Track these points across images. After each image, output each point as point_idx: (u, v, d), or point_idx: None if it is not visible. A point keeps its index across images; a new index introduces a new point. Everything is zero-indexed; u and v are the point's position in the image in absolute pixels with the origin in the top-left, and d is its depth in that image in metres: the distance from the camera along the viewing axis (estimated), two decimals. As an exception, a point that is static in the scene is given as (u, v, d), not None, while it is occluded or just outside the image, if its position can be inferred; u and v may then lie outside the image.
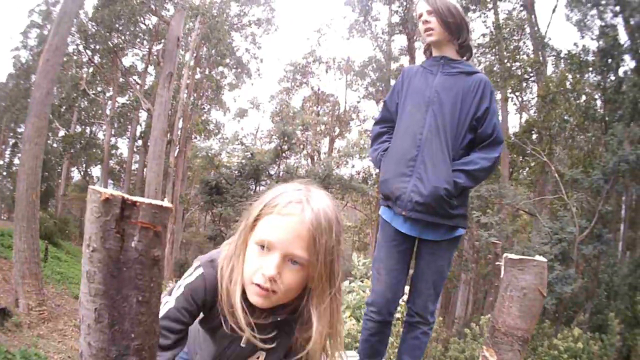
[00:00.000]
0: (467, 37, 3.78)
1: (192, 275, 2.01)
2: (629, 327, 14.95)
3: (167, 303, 1.96)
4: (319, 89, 40.77)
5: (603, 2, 19.99)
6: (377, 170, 4.13)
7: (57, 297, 20.11)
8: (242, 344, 2.06)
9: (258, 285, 1.84)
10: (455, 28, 3.69)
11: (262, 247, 1.85)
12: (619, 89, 19.30)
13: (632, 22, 19.02)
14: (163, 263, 1.25)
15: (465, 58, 3.84)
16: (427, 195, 3.49)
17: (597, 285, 17.85)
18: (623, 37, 19.58)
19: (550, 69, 25.66)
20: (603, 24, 20.31)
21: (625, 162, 16.54)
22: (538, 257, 2.33)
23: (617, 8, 19.44)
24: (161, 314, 1.89)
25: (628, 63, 19.97)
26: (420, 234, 3.65)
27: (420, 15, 3.75)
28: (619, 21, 19.81)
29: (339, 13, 31.70)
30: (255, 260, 1.87)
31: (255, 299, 1.88)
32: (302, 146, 36.08)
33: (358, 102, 40.43)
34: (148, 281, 1.21)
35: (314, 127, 37.85)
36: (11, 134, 41.24)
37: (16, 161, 37.67)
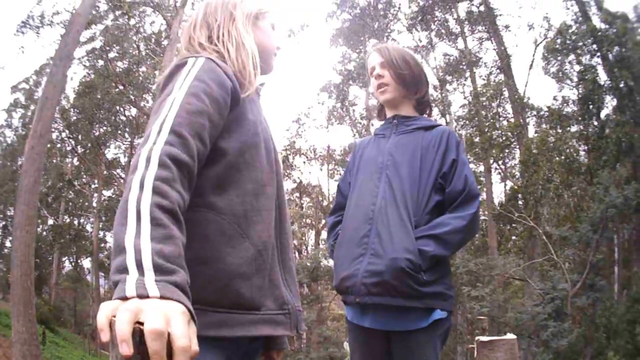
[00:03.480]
0: (426, 90, 3.30)
1: (193, 67, 1.81)
2: (630, 358, 14.81)
3: (174, 100, 1.68)
4: (301, 182, 40.80)
5: (580, 44, 20.14)
6: None
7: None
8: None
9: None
10: (412, 81, 3.20)
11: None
12: (602, 134, 19.32)
13: (610, 57, 19.14)
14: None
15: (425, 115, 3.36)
16: (385, 271, 2.78)
17: (595, 330, 17.52)
18: (602, 77, 19.77)
19: (531, 130, 25.65)
20: (581, 68, 20.49)
21: (613, 207, 16.37)
22: (508, 335, 2.25)
23: (595, 46, 19.58)
24: (173, 112, 1.64)
25: (609, 104, 20.23)
26: (386, 326, 2.90)
27: (373, 70, 3.26)
28: (597, 61, 19.98)
29: (318, 99, 32.35)
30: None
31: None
32: (287, 240, 35.96)
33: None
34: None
35: (299, 221, 37.72)
36: (1, 216, 41.10)
37: (7, 243, 37.44)
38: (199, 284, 1.34)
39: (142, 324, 1.10)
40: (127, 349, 1.07)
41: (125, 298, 1.16)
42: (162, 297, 1.17)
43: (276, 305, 1.88)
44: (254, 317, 1.78)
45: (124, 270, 1.24)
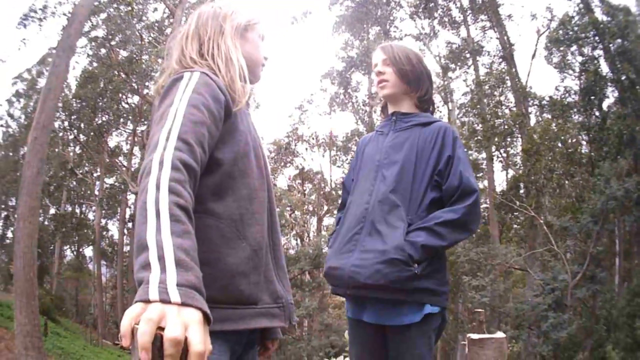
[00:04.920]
0: (429, 89, 3.28)
1: (190, 80, 1.91)
2: (630, 352, 14.80)
3: (177, 111, 1.78)
4: (303, 168, 40.77)
5: (582, 35, 20.08)
6: None
7: (60, 372, 20.30)
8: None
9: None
10: (414, 78, 3.19)
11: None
12: (604, 125, 19.28)
13: (612, 49, 19.09)
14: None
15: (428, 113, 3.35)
16: (372, 263, 2.80)
17: (595, 322, 17.54)
18: (604, 69, 19.72)
19: (533, 119, 25.61)
20: (583, 59, 20.43)
21: (614, 199, 16.37)
22: (498, 334, 2.26)
23: (597, 38, 19.54)
24: (178, 121, 1.75)
25: (611, 95, 20.15)
26: (382, 320, 2.93)
27: (375, 66, 3.27)
28: (599, 53, 19.94)
29: (320, 86, 32.32)
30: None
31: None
32: (290, 227, 35.84)
33: (343, 178, 40.06)
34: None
35: (301, 207, 37.70)
36: (2, 206, 41.07)
37: (9, 234, 37.45)
38: (204, 284, 1.40)
39: (162, 329, 1.19)
40: (146, 357, 1.16)
41: (148, 301, 1.24)
42: (182, 304, 1.25)
43: (271, 299, 2.04)
44: (253, 311, 1.94)
45: (147, 266, 1.33)
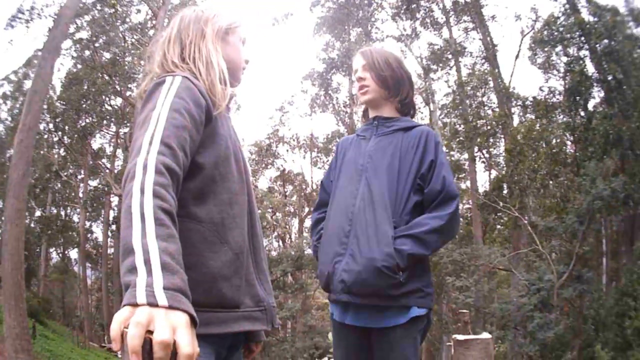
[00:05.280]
0: (410, 93, 3.30)
1: (172, 85, 1.92)
2: (620, 351, 14.79)
3: (159, 115, 1.79)
4: (284, 170, 40.79)
5: (568, 36, 20.15)
6: None
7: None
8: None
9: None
10: (393, 84, 3.21)
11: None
12: (589, 125, 19.28)
13: (598, 49, 19.16)
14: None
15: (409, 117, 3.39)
16: (361, 270, 2.84)
17: (583, 322, 17.57)
18: (590, 70, 19.77)
19: (516, 120, 25.67)
20: (568, 59, 20.49)
21: (600, 199, 16.39)
22: (483, 335, 2.28)
23: (582, 38, 19.61)
24: (161, 125, 1.76)
25: (596, 96, 20.25)
26: (366, 323, 2.97)
27: (356, 72, 3.31)
28: (585, 53, 20.02)
29: (301, 87, 32.71)
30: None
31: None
32: (272, 228, 35.84)
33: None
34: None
35: (282, 209, 37.73)
36: (-11, 209, 40.78)
37: (-4, 236, 37.27)
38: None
39: (151, 332, 1.22)
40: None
41: (135, 304, 1.27)
42: (170, 307, 1.28)
43: (253, 302, 2.05)
44: (235, 314, 1.95)
45: (133, 270, 1.34)
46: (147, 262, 1.35)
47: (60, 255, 45.90)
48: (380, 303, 2.87)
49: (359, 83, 3.27)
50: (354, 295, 2.89)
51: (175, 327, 1.25)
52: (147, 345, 1.20)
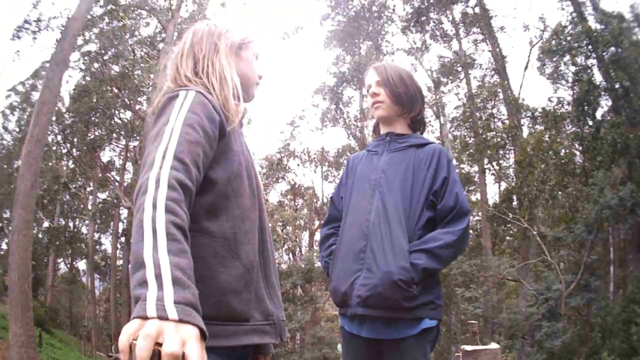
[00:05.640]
0: (422, 109, 3.34)
1: (185, 99, 1.92)
2: (626, 357, 14.85)
3: (172, 130, 1.80)
4: (295, 184, 40.74)
5: (575, 45, 20.12)
6: None
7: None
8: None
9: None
10: (407, 100, 3.24)
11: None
12: (597, 134, 19.23)
13: (605, 58, 19.11)
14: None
15: (418, 133, 3.42)
16: (378, 284, 2.88)
17: (590, 330, 17.56)
18: (598, 78, 19.74)
19: (525, 132, 25.57)
20: (576, 69, 20.46)
21: (608, 208, 16.37)
22: (492, 345, 2.28)
23: (590, 47, 19.57)
24: (174, 140, 1.76)
25: (604, 104, 20.19)
26: (379, 334, 3.00)
27: (369, 87, 3.32)
28: (592, 62, 19.99)
29: (312, 102, 32.61)
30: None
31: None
32: (282, 242, 35.79)
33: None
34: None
35: (293, 223, 37.66)
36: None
37: (3, 246, 37.27)
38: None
39: (160, 344, 1.22)
40: None
41: (145, 317, 1.26)
42: (180, 321, 1.28)
43: (262, 316, 2.05)
44: (244, 327, 1.95)
45: (144, 283, 1.34)
46: (159, 277, 1.35)
47: (68, 265, 45.93)
48: (394, 315, 2.90)
49: (372, 98, 3.29)
50: (370, 308, 2.91)
51: (184, 340, 1.25)
52: (156, 357, 1.20)
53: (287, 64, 78.98)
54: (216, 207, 1.95)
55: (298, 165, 40.18)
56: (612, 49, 19.00)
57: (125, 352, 1.23)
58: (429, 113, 29.49)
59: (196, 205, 1.80)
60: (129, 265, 1.46)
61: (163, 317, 1.26)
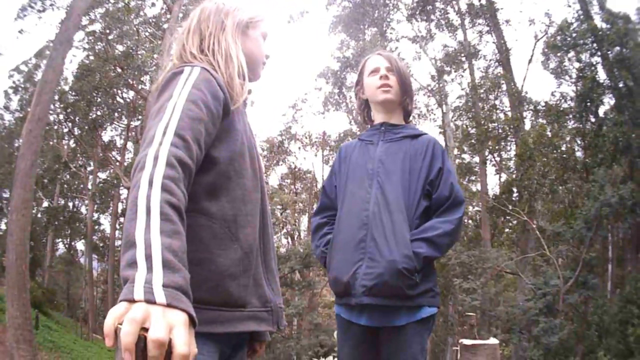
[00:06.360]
0: (411, 103, 3.46)
1: (190, 75, 1.88)
2: (622, 358, 14.92)
3: (175, 106, 1.75)
4: (295, 167, 40.76)
5: (581, 42, 20.09)
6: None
7: (50, 365, 20.63)
8: None
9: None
10: (409, 91, 3.37)
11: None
12: (599, 132, 19.25)
13: (610, 56, 19.11)
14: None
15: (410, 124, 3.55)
16: (383, 273, 2.91)
17: (587, 328, 17.56)
18: (602, 76, 19.78)
19: (528, 124, 25.57)
20: (581, 65, 20.44)
21: (608, 206, 16.37)
22: (491, 340, 2.29)
23: (595, 45, 19.56)
24: (176, 116, 1.71)
25: (607, 102, 20.22)
26: (381, 322, 3.03)
27: (377, 70, 3.33)
28: (597, 60, 19.98)
29: (314, 85, 32.69)
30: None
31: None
32: (281, 225, 35.84)
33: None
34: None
35: (292, 206, 37.70)
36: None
37: (2, 226, 37.29)
38: (193, 284, 1.39)
39: (146, 329, 1.17)
40: (129, 357, 1.15)
41: (132, 300, 1.22)
42: (168, 305, 1.23)
43: (260, 302, 2.02)
44: (241, 314, 1.92)
45: (133, 264, 1.30)
46: (149, 258, 1.31)
47: (67, 246, 46.01)
48: (397, 303, 2.94)
49: (382, 81, 3.30)
50: (375, 297, 2.94)
51: (172, 325, 1.20)
52: (142, 343, 1.16)
53: (291, 47, 78.83)
54: (217, 187, 1.91)
55: (299, 148, 40.36)
56: (617, 48, 19.04)
57: (110, 336, 1.20)
58: (431, 101, 29.53)
59: (196, 185, 1.77)
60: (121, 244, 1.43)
61: (150, 301, 1.22)
